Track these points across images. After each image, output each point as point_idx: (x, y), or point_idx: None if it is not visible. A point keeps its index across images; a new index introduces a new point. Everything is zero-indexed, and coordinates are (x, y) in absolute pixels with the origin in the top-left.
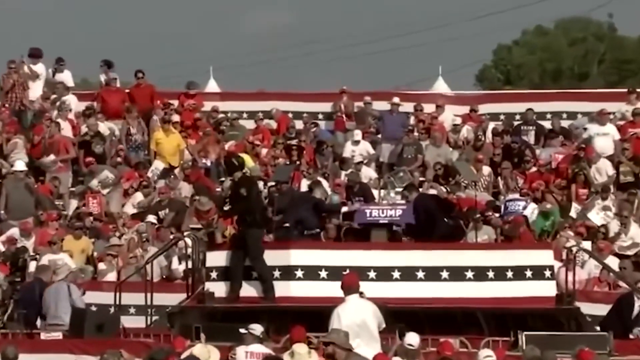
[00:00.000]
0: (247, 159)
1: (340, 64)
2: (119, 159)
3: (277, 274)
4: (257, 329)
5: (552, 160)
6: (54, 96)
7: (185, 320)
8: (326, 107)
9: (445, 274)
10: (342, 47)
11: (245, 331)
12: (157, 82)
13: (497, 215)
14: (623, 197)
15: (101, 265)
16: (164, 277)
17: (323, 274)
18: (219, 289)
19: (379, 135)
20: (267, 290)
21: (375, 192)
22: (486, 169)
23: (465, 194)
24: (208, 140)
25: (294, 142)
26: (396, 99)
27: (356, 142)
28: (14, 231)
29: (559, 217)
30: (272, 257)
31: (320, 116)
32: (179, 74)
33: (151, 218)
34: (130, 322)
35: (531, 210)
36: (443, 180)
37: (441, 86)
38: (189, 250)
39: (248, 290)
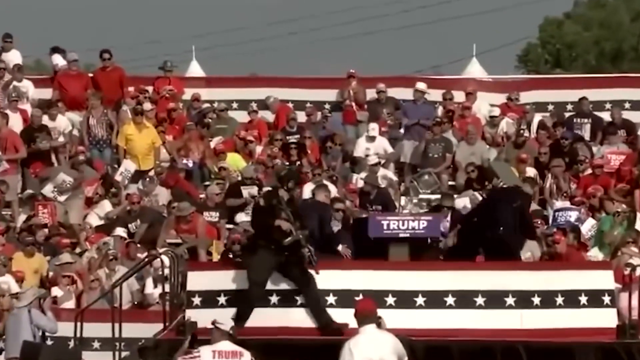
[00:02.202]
0: (237, 159)
1: (351, 42)
2: (81, 158)
3: (274, 299)
4: (225, 323)
5: (611, 160)
6: (3, 80)
7: (162, 356)
8: (333, 94)
9: (480, 300)
10: (351, 23)
11: (212, 326)
12: (127, 64)
13: (545, 227)
14: None
15: (55, 290)
16: (136, 303)
17: (331, 299)
18: (203, 317)
19: (401, 130)
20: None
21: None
22: (531, 171)
23: None
24: (190, 136)
25: (293, 138)
26: (421, 85)
27: (371, 138)
28: None
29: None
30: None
31: (327, 106)
32: (153, 54)
33: (119, 231)
34: (94, 358)
35: (589, 227)
36: (477, 184)
37: (475, 69)
38: (166, 271)
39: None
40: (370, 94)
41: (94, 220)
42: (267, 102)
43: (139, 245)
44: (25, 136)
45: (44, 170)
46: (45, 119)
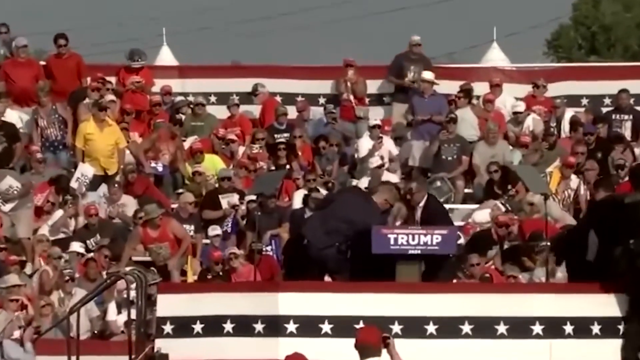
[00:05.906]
0: (216, 162)
1: (348, 25)
2: (38, 156)
3: (259, 327)
4: None
5: None
6: None
7: None
8: (328, 86)
9: (501, 328)
10: (350, 2)
11: None
12: (85, 50)
13: None
14: None
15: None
16: (96, 332)
17: (326, 327)
18: (175, 348)
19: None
20: None
21: None
22: (575, 181)
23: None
24: (159, 135)
25: (282, 137)
26: (427, 74)
27: (373, 132)
28: None
29: None
30: (253, 303)
31: (322, 99)
32: (117, 39)
33: (76, 246)
34: None
35: None
36: (499, 189)
37: (496, 56)
38: (132, 294)
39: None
40: (372, 84)
41: (46, 233)
42: (254, 92)
43: (99, 263)
44: None
45: None
46: None
